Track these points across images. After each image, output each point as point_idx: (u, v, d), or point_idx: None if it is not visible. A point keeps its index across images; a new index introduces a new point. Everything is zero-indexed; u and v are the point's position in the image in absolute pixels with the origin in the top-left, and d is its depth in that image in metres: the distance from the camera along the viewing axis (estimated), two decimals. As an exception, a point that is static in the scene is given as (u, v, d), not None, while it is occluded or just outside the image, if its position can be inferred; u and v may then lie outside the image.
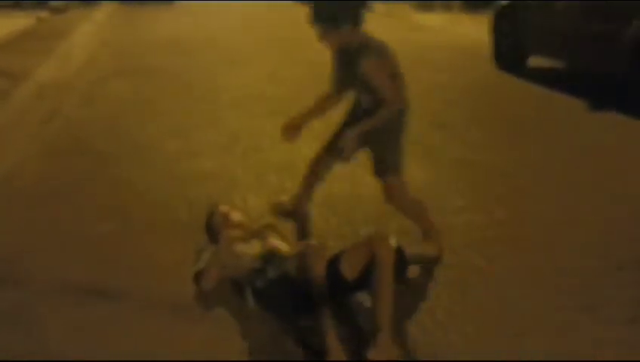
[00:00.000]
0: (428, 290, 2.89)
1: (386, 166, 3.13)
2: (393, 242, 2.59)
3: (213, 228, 3.17)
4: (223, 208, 3.25)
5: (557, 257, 3.20)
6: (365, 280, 2.54)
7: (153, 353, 2.45)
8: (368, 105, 3.10)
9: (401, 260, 2.69)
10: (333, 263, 2.55)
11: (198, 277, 2.90)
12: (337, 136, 3.25)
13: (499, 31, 8.51)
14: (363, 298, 2.68)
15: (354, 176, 4.39)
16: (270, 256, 2.78)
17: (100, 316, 2.70)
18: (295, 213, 3.59)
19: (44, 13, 16.46)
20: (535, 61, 8.12)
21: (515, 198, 3.98)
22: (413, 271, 2.97)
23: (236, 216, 3.22)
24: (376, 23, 9.78)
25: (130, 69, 8.04)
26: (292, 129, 3.42)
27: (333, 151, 3.28)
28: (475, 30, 11.60)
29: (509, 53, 8.32)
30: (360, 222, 3.63)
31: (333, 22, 2.91)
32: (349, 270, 2.57)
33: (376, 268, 2.50)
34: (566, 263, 3.14)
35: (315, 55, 9.27)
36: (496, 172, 4.47)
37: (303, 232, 3.47)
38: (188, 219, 3.63)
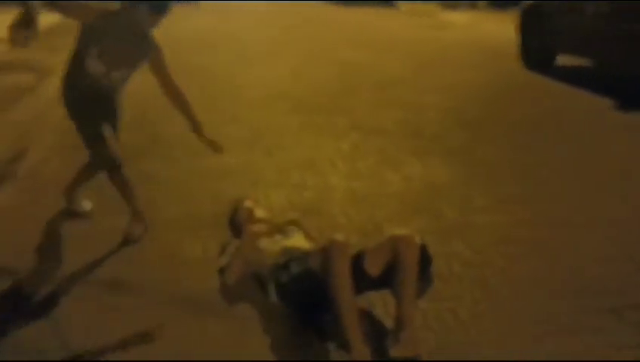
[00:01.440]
0: (451, 289, 2.89)
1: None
2: (417, 240, 2.59)
3: (237, 224, 3.20)
4: (247, 204, 3.28)
5: (580, 258, 3.17)
6: (389, 277, 2.55)
7: (174, 347, 2.48)
8: None
9: (424, 258, 2.69)
10: (358, 260, 2.56)
11: (222, 271, 2.93)
12: None
13: (526, 29, 8.43)
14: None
15: (377, 174, 4.40)
16: (294, 252, 2.80)
17: (122, 308, 2.74)
18: None
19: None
20: (562, 60, 8.03)
21: (538, 198, 3.95)
22: (437, 269, 2.96)
23: (260, 211, 3.24)
24: (402, 22, 9.75)
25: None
26: None
27: None
28: (501, 28, 11.49)
29: (536, 52, 8.24)
30: (383, 220, 3.63)
31: None
32: (373, 267, 2.57)
33: (400, 266, 2.50)
34: (590, 265, 3.11)
35: (339, 54, 9.29)
36: (521, 171, 4.43)
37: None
38: (212, 213, 3.66)
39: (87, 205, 3.70)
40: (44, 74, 6.99)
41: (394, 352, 2.37)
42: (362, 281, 2.55)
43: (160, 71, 3.35)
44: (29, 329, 2.58)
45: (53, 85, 6.64)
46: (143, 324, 2.62)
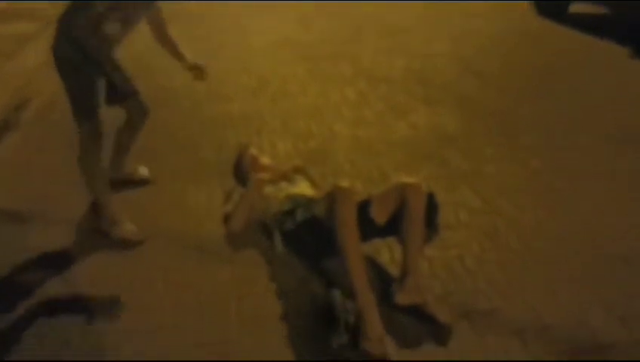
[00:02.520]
0: (458, 237, 2.86)
1: None
2: (425, 188, 2.54)
3: (241, 171, 3.17)
4: (252, 151, 3.23)
5: (590, 208, 3.13)
6: (395, 225, 2.52)
7: (181, 294, 2.49)
8: None
9: (431, 206, 2.65)
10: (364, 207, 2.53)
11: (227, 219, 2.91)
12: None
13: (538, -26, 8.17)
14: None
15: (384, 121, 4.33)
16: (299, 199, 2.77)
17: (128, 256, 2.74)
18: None
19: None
20: (576, 7, 7.80)
21: (549, 148, 3.88)
22: (444, 218, 2.93)
23: (264, 159, 3.20)
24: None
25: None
26: None
27: None
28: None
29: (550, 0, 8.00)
30: (389, 168, 3.58)
31: None
32: (380, 214, 2.54)
33: (406, 213, 2.47)
34: (599, 214, 3.07)
35: (343, 5, 9.07)
36: (531, 121, 4.35)
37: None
38: (216, 161, 3.62)
39: (143, 170, 3.49)
40: (45, 23, 6.88)
41: (398, 298, 2.37)
42: (368, 228, 2.52)
43: (158, 27, 3.25)
44: (38, 272, 2.58)
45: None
46: (149, 272, 2.63)
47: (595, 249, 2.77)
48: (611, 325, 2.29)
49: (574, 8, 7.83)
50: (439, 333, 2.25)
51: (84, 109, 2.79)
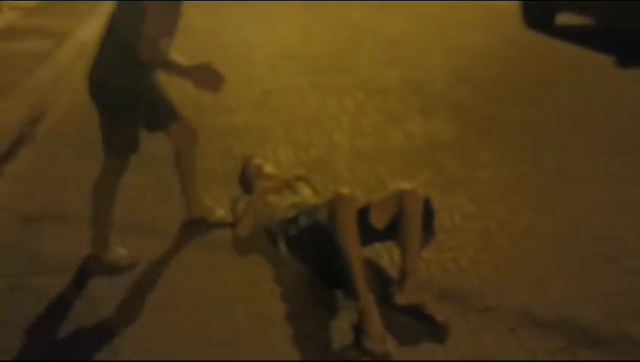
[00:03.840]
0: (453, 240, 2.99)
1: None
2: (422, 194, 2.67)
3: (246, 180, 3.30)
4: (257, 160, 3.37)
5: (580, 209, 3.26)
6: (394, 229, 2.63)
7: (188, 294, 2.62)
8: None
9: (428, 211, 2.78)
10: (364, 213, 2.65)
11: (234, 225, 3.04)
12: None
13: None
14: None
15: (381, 131, 4.47)
16: (302, 206, 2.89)
17: (137, 254, 2.86)
18: None
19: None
20: (563, 18, 7.98)
21: (540, 153, 4.02)
22: (440, 222, 3.06)
23: (269, 168, 3.33)
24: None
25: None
26: None
27: None
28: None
29: (537, 11, 8.17)
30: (387, 175, 3.72)
31: None
32: (379, 220, 2.65)
33: (405, 218, 2.58)
34: (589, 215, 3.20)
35: (346, 13, 9.23)
36: (522, 127, 4.49)
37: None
38: (222, 170, 3.76)
39: (220, 212, 3.23)
40: (59, 39, 7.04)
41: (398, 299, 2.48)
42: (368, 233, 2.64)
43: None
44: (51, 283, 2.70)
45: (68, 50, 6.73)
46: (158, 275, 2.76)
47: (584, 249, 2.89)
48: (601, 321, 2.39)
49: (562, 20, 8.01)
50: (437, 332, 2.35)
51: (115, 141, 2.68)
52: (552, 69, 6.11)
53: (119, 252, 2.83)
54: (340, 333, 2.37)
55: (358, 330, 2.31)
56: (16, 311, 2.52)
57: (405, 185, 2.71)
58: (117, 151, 2.71)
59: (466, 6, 9.98)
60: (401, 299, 2.48)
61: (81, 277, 2.72)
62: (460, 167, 3.83)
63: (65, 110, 5.05)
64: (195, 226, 3.12)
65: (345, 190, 2.57)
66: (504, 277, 2.70)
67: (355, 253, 2.42)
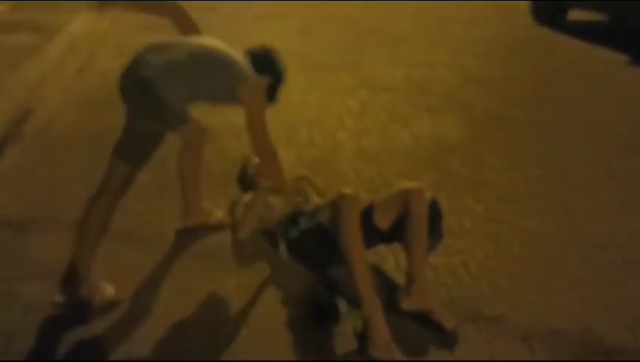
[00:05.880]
0: (462, 244, 2.87)
1: None
2: (428, 195, 2.56)
3: (246, 180, 3.18)
4: (256, 161, 3.25)
5: (592, 214, 3.15)
6: (399, 231, 2.53)
7: (189, 299, 2.50)
8: None
9: (435, 213, 2.66)
10: (367, 214, 2.54)
11: (234, 227, 2.92)
12: None
13: (537, -17, 8.23)
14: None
15: (386, 130, 4.36)
16: (303, 207, 2.78)
17: (135, 262, 2.75)
18: None
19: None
20: (575, 15, 7.86)
21: (550, 155, 3.91)
22: (448, 225, 2.95)
23: None
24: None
25: (161, 24, 7.95)
26: None
27: None
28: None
29: (547, 6, 8.05)
30: (393, 176, 3.60)
31: None
32: (383, 221, 2.55)
33: (410, 219, 2.48)
34: (601, 220, 3.09)
35: (347, 10, 9.12)
36: (532, 128, 4.38)
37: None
38: (219, 171, 3.65)
39: (218, 214, 3.14)
40: (47, 34, 6.91)
41: (404, 305, 2.38)
42: (372, 235, 2.53)
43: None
44: (38, 288, 2.59)
45: (58, 46, 6.62)
46: (156, 279, 2.64)
47: (599, 254, 2.78)
48: (616, 330, 2.30)
49: (573, 16, 7.90)
50: (445, 340, 2.25)
51: (137, 151, 2.50)
52: (562, 68, 5.99)
53: (108, 290, 2.52)
54: (343, 340, 2.27)
55: (363, 338, 2.21)
56: (2, 317, 2.41)
57: (410, 184, 2.60)
58: (133, 159, 2.50)
59: (472, 1, 9.86)
60: (408, 304, 2.38)
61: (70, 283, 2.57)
62: (467, 168, 3.71)
63: (54, 108, 4.93)
64: (193, 231, 3.02)
65: (348, 190, 2.45)
66: (515, 283, 2.59)
67: (360, 256, 2.32)
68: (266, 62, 2.78)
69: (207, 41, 2.66)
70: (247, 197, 2.96)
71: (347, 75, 5.72)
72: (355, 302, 2.32)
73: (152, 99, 2.40)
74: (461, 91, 5.23)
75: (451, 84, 5.46)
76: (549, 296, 2.49)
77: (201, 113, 4.55)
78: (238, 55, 2.70)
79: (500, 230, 3.00)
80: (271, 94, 2.79)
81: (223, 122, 4.50)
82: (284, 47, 6.35)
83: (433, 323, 2.31)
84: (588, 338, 2.26)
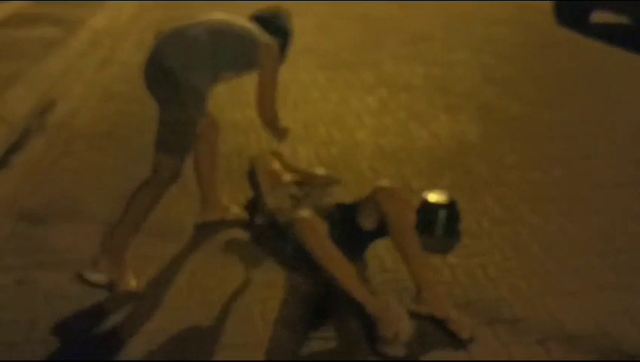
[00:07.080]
0: (481, 245, 2.85)
1: None
2: (403, 194, 2.46)
3: (255, 176, 3.15)
4: (267, 156, 3.21)
5: (612, 216, 3.11)
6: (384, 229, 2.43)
7: (205, 294, 2.51)
8: None
9: (452, 212, 2.65)
10: (350, 215, 2.48)
11: (250, 223, 2.91)
12: None
13: (560, -17, 8.14)
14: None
15: (405, 129, 4.34)
16: (319, 203, 2.75)
17: (154, 256, 2.77)
18: None
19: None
20: (598, 17, 7.76)
21: (571, 157, 3.86)
22: (466, 225, 2.93)
23: (276, 164, 3.16)
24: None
25: (180, 18, 7.96)
26: None
27: None
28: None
29: (570, 8, 7.96)
30: (411, 175, 3.59)
31: None
32: (366, 221, 2.47)
33: (389, 225, 2.37)
34: (621, 223, 3.04)
35: (366, 7, 9.09)
36: (553, 129, 4.33)
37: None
38: (238, 166, 3.65)
39: (235, 209, 3.13)
40: (70, 28, 6.98)
41: (416, 309, 2.33)
42: (361, 237, 2.49)
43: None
44: (59, 278, 2.62)
45: (80, 39, 6.69)
46: (174, 273, 2.66)
47: (620, 257, 2.75)
48: (636, 335, 2.27)
49: (596, 18, 7.80)
50: (462, 342, 2.22)
51: (174, 142, 2.49)
52: (584, 69, 5.91)
53: (132, 282, 2.54)
54: (356, 336, 2.27)
55: (372, 334, 2.20)
56: (23, 306, 2.44)
57: (383, 182, 2.45)
58: (172, 150, 2.49)
59: (493, 1, 9.78)
60: (419, 309, 2.35)
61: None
62: (487, 168, 3.68)
63: (77, 100, 4.98)
64: (212, 226, 3.02)
65: (304, 213, 2.27)
66: (534, 286, 2.56)
67: (342, 268, 2.22)
68: (274, 24, 2.85)
69: (219, 15, 2.72)
70: (270, 198, 2.90)
71: (367, 73, 5.70)
72: (357, 312, 2.27)
73: (179, 87, 2.44)
74: (481, 91, 5.19)
75: (472, 83, 5.42)
76: (568, 300, 2.46)
77: (221, 109, 4.59)
78: (247, 22, 2.77)
79: (519, 231, 2.97)
80: (282, 54, 2.86)
81: (243, 118, 4.52)
82: (303, 44, 6.33)
83: (450, 333, 2.26)
84: (607, 342, 2.23)
